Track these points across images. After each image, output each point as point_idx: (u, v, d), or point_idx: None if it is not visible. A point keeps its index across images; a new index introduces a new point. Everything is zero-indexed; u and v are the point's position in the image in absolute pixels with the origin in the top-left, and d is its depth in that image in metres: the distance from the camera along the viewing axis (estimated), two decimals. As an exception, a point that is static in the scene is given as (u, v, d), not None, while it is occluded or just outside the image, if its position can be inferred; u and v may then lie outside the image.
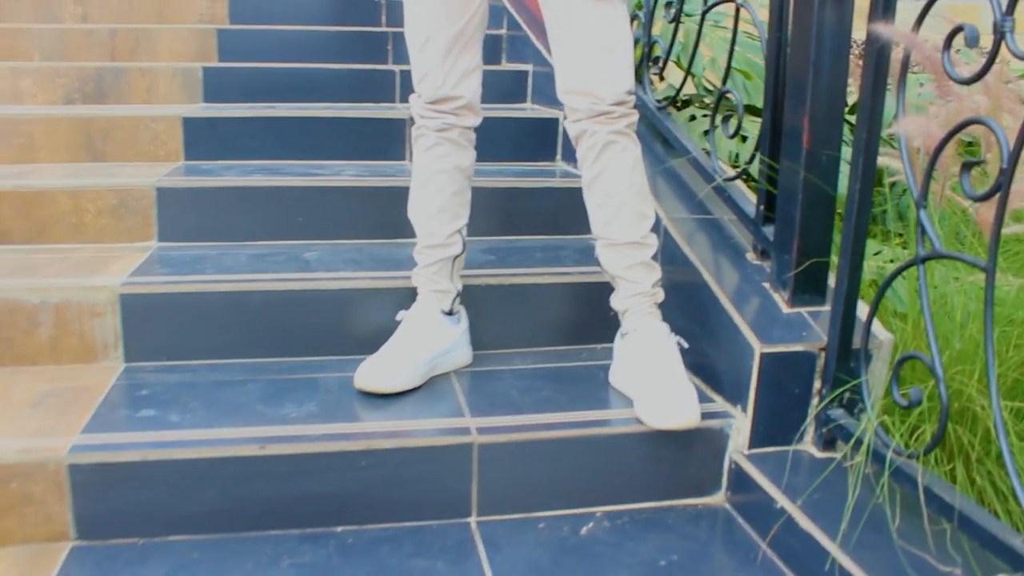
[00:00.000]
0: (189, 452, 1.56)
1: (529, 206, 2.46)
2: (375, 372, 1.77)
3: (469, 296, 2.01)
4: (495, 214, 2.43)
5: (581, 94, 1.71)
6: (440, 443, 1.63)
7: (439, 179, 1.86)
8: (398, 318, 1.92)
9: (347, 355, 2.00)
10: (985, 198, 1.32)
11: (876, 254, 2.34)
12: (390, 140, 2.79)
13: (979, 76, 1.35)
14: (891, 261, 2.33)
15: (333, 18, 3.88)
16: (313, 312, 2.01)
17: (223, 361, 1.99)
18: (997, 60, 1.30)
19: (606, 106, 1.71)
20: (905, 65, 1.46)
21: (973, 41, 1.36)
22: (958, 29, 1.38)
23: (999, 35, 1.29)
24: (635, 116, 1.77)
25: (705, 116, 2.60)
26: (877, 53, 1.49)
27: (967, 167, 1.36)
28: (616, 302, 1.85)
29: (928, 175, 1.43)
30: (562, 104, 1.78)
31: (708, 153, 2.18)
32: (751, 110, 2.87)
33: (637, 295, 1.80)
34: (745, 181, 2.13)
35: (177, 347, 1.98)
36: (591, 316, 2.09)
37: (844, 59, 1.68)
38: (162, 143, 2.73)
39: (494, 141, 2.71)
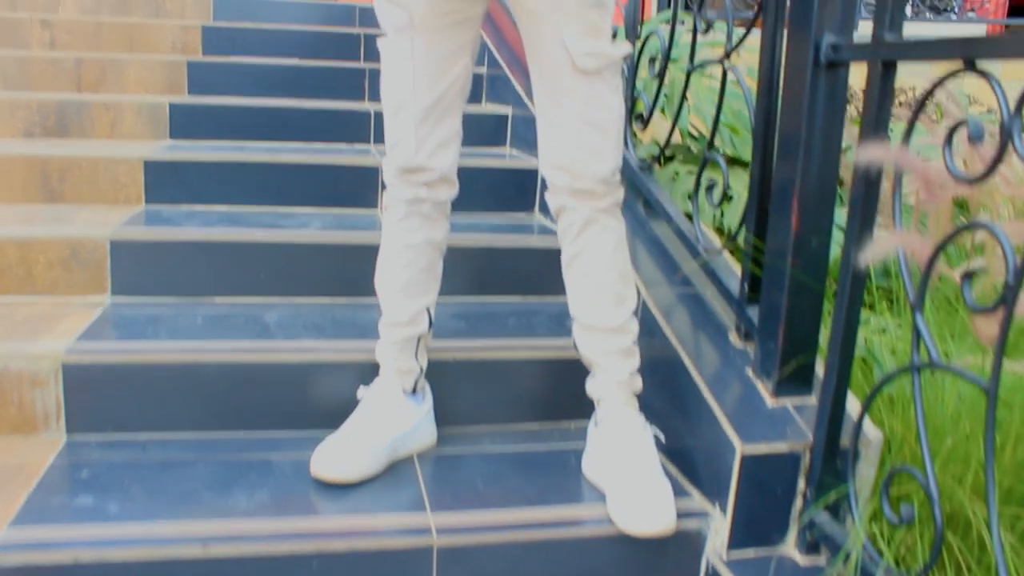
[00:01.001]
0: (126, 553, 1.44)
1: (504, 267, 2.36)
2: (332, 459, 1.66)
3: (436, 371, 1.90)
4: (468, 273, 2.33)
5: (565, 170, 1.61)
6: (398, 546, 1.52)
7: (408, 253, 1.75)
8: (359, 395, 1.81)
9: (306, 430, 1.89)
10: (987, 312, 1.23)
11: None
12: (361, 187, 2.68)
13: (984, 177, 1.26)
14: (881, 331, 2.24)
15: (309, 50, 3.79)
16: (272, 385, 1.89)
17: (173, 435, 1.87)
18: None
19: (590, 184, 1.61)
20: (898, 181, 1.36)
21: (977, 137, 1.26)
22: (960, 123, 1.29)
23: (1006, 136, 1.19)
24: (620, 194, 1.67)
25: (690, 173, 2.50)
26: (865, 172, 1.40)
27: (968, 276, 1.26)
28: (591, 388, 1.75)
29: (925, 281, 1.33)
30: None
31: (691, 218, 2.09)
32: (738, 162, 2.79)
33: (614, 383, 1.70)
34: (732, 252, 2.03)
35: (124, 419, 1.86)
36: (565, 392, 1.98)
37: (837, 138, 1.59)
38: (122, 186, 2.62)
39: (470, 190, 2.60)
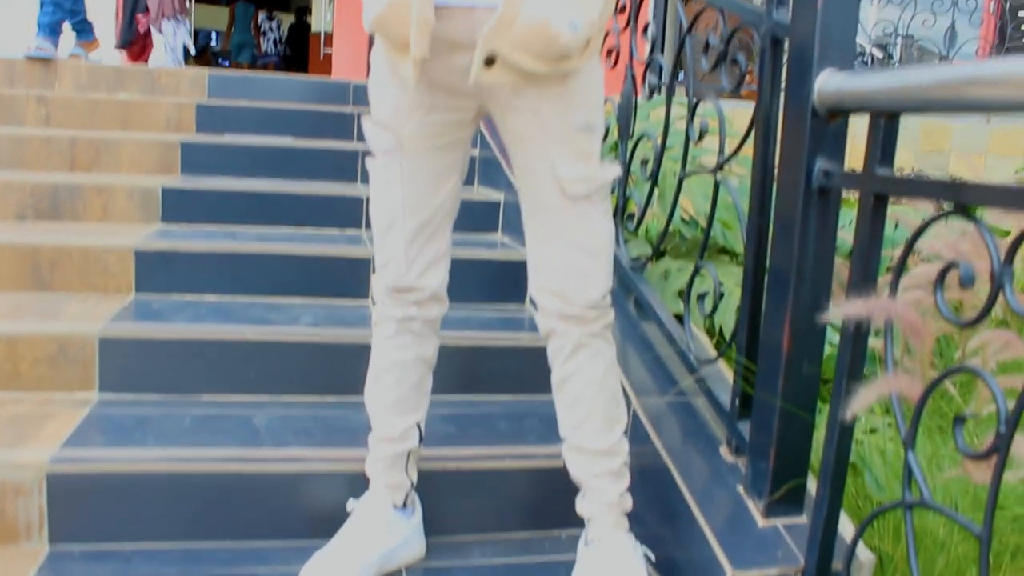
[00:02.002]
0: None
1: (495, 365, 2.35)
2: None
3: (426, 481, 1.89)
4: (458, 371, 2.32)
5: (555, 295, 1.61)
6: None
7: (398, 370, 1.74)
8: (349, 508, 1.79)
9: (295, 540, 1.87)
10: (979, 457, 1.22)
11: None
12: (352, 278, 2.68)
13: (975, 322, 1.26)
14: (871, 431, 2.24)
15: (303, 128, 3.82)
16: (260, 496, 1.87)
17: (159, 546, 1.84)
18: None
19: (580, 308, 1.60)
20: (888, 328, 1.37)
21: (968, 282, 1.27)
22: (950, 266, 1.30)
23: (996, 285, 1.20)
24: (610, 316, 1.67)
25: (681, 271, 2.51)
26: (854, 325, 1.40)
27: (960, 421, 1.26)
28: (581, 508, 1.73)
29: (916, 420, 1.33)
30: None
31: (682, 320, 2.09)
32: (727, 252, 2.80)
33: (604, 505, 1.68)
34: (724, 356, 2.03)
35: (109, 529, 1.84)
36: (555, 501, 1.96)
37: (828, 262, 1.60)
38: (112, 275, 2.61)
39: (461, 282, 2.60)
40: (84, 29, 5.09)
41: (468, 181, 3.31)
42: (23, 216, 3.00)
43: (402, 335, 1.72)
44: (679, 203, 2.26)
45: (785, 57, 1.65)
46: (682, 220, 3.02)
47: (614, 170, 1.60)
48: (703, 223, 2.80)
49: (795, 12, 1.61)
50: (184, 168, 3.39)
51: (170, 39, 8.19)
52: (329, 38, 8.92)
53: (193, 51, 8.64)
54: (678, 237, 2.87)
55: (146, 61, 8.05)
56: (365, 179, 3.36)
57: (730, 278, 2.52)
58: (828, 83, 1.51)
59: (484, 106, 1.59)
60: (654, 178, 2.23)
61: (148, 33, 7.98)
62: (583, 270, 1.59)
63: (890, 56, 9.02)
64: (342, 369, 2.24)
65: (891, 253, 1.52)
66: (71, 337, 2.21)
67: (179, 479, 1.85)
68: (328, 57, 8.73)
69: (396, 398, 1.75)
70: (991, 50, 6.25)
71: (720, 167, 1.91)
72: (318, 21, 10.65)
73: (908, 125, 5.42)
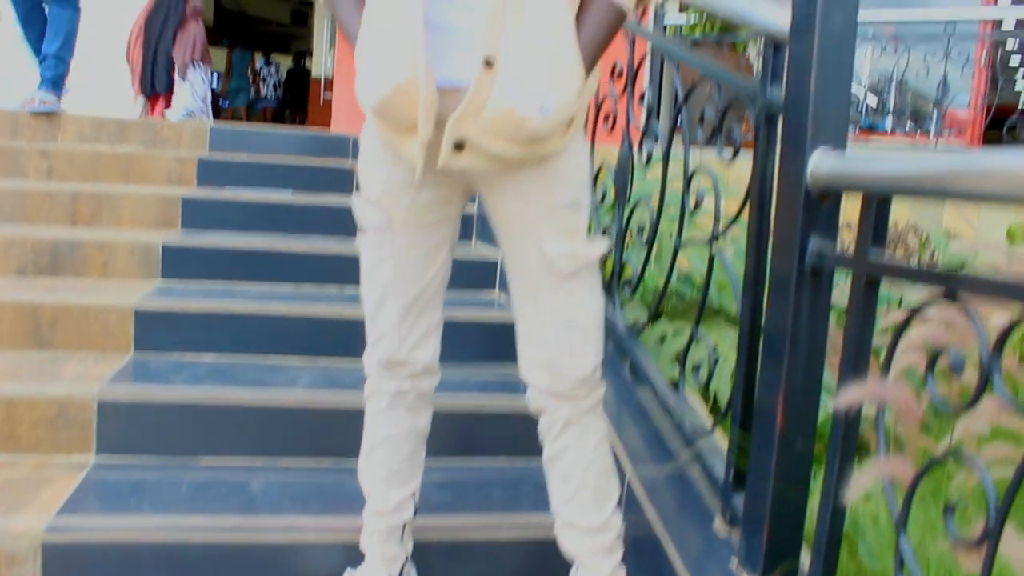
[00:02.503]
0: None
1: (492, 429, 2.36)
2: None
3: (421, 551, 1.89)
4: (455, 435, 2.32)
5: (544, 370, 1.61)
6: None
7: (391, 444, 1.75)
8: None
9: (289, 609, 1.87)
10: (971, 545, 1.23)
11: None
12: (349, 338, 2.68)
13: (966, 409, 1.27)
14: (865, 498, 2.24)
15: (303, 183, 3.85)
16: (257, 565, 1.87)
17: (153, 615, 1.84)
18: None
19: (570, 385, 1.60)
20: (880, 412, 1.38)
21: (958, 369, 1.28)
22: (940, 352, 1.31)
23: (985, 373, 1.21)
24: (601, 391, 1.67)
25: (677, 335, 2.52)
26: (846, 412, 1.41)
27: (950, 510, 1.27)
28: None
29: (907, 504, 1.34)
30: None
31: (677, 387, 2.10)
32: (723, 313, 2.82)
33: None
34: (721, 426, 2.03)
35: (103, 598, 1.84)
36: (550, 572, 1.96)
37: (822, 341, 1.61)
38: (112, 334, 2.62)
39: (458, 342, 2.62)
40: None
41: (466, 237, 3.36)
42: (24, 271, 3.02)
43: (395, 408, 1.73)
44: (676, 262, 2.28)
45: (779, 134, 1.68)
46: (678, 280, 3.04)
47: (602, 245, 1.60)
48: (699, 281, 2.82)
49: (788, 91, 1.63)
50: (185, 223, 3.41)
51: (199, 87, 8.30)
52: (329, 83, 9.00)
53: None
54: (675, 297, 2.88)
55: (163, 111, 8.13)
56: (364, 235, 3.39)
57: (726, 341, 2.53)
58: (821, 164, 1.53)
59: (471, 184, 1.61)
60: (650, 244, 2.25)
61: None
62: (572, 345, 1.59)
63: (884, 103, 9.12)
64: (339, 433, 2.24)
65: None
66: (70, 400, 2.22)
67: (175, 549, 1.85)
68: (328, 103, 8.79)
69: (390, 471, 1.75)
70: (982, 101, 6.31)
71: (715, 238, 1.93)
72: (318, 66, 10.74)
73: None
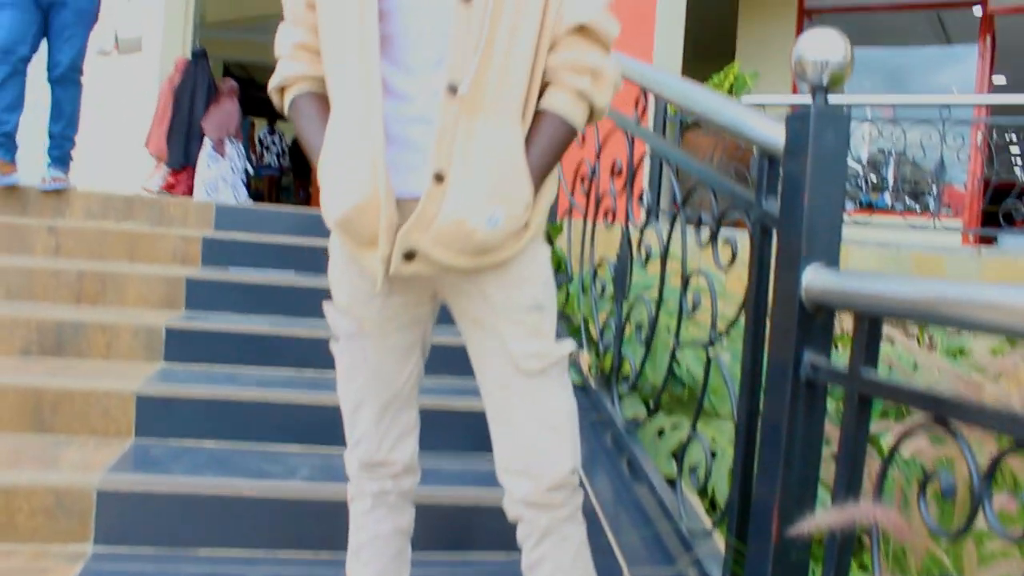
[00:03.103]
0: None
1: (491, 522, 2.34)
2: None
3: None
4: (452, 528, 2.33)
5: (520, 475, 1.60)
6: None
7: (376, 544, 1.75)
8: None
9: None
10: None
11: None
12: (350, 425, 2.71)
13: (958, 534, 1.29)
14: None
15: (306, 263, 3.89)
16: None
17: None
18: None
19: (546, 490, 1.58)
20: (875, 534, 1.40)
21: (948, 493, 1.30)
22: (931, 476, 1.33)
23: (976, 502, 1.23)
24: (579, 500, 1.65)
25: (675, 428, 2.53)
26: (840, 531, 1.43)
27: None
28: None
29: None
30: None
31: (674, 485, 2.11)
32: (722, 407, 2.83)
33: None
34: (719, 526, 2.04)
35: None
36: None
37: (816, 452, 1.63)
38: (113, 419, 2.64)
39: (454, 433, 2.64)
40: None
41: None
42: (28, 351, 3.04)
43: (378, 509, 1.74)
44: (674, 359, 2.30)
45: (774, 245, 1.72)
46: (675, 373, 3.06)
47: (568, 345, 1.62)
48: (697, 375, 2.84)
49: (782, 205, 1.67)
50: (188, 303, 3.44)
51: (236, 161, 8.51)
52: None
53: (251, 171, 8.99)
54: (673, 389, 2.90)
55: (190, 188, 8.30)
56: (366, 318, 3.41)
57: (724, 435, 2.55)
58: (815, 280, 1.56)
59: (437, 287, 1.62)
60: (648, 343, 2.28)
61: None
62: (546, 446, 1.58)
63: (883, 178, 9.22)
64: (337, 525, 2.21)
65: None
66: (69, 489, 2.23)
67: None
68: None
69: (376, 571, 1.76)
70: (978, 182, 6.40)
71: (712, 343, 1.96)
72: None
73: (901, 256, 5.52)
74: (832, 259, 1.60)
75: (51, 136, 4.52)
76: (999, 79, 9.90)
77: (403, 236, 1.45)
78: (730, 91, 6.13)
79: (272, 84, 1.62)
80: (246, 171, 8.84)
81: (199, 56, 8.68)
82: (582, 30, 1.53)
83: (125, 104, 9.02)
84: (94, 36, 4.68)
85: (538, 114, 1.54)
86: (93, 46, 4.73)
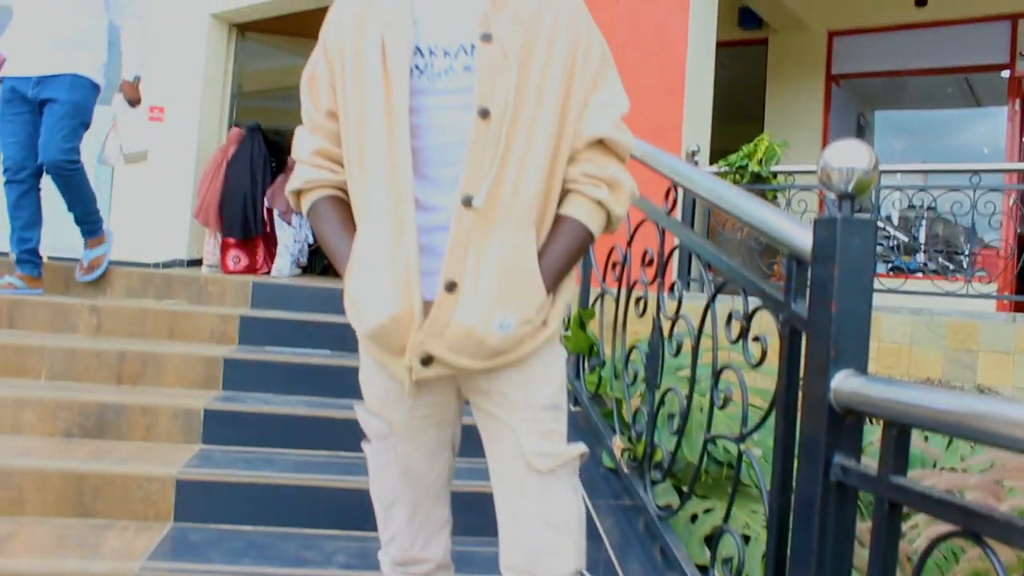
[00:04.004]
0: None
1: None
2: None
3: None
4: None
5: (522, 573, 1.61)
6: None
7: None
8: None
9: None
10: None
11: None
12: (385, 510, 2.74)
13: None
14: None
15: (341, 341, 3.94)
16: None
17: None
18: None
19: None
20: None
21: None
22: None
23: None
24: None
25: (708, 512, 2.54)
26: None
27: None
28: None
29: None
30: None
31: (706, 573, 2.12)
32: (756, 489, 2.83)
33: None
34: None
35: None
36: None
37: (848, 555, 1.64)
38: (153, 503, 2.69)
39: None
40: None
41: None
42: (70, 434, 3.11)
43: None
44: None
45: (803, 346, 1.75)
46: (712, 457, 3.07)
47: (579, 447, 1.65)
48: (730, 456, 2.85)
49: (811, 310, 1.70)
50: (226, 384, 3.50)
51: (300, 230, 8.78)
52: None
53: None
54: (706, 474, 2.91)
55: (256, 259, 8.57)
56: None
57: (756, 519, 2.55)
58: (843, 385, 1.59)
59: (461, 386, 1.66)
60: (680, 434, 2.30)
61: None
62: (551, 546, 1.59)
63: (915, 238, 9.20)
64: (372, 615, 2.27)
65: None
66: (110, 578, 2.27)
67: None
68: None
69: None
70: (1011, 249, 6.38)
71: (743, 438, 1.98)
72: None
73: (934, 323, 5.51)
74: (861, 365, 1.62)
75: (76, 221, 4.46)
76: (1031, 140, 9.90)
77: (418, 343, 1.50)
78: (760, 162, 6.17)
79: (291, 187, 1.67)
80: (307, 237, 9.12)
81: (254, 130, 8.98)
82: (600, 143, 1.60)
83: (161, 173, 9.23)
84: (92, 139, 4.50)
85: (557, 219, 1.60)
86: (95, 153, 4.58)
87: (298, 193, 1.69)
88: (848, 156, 1.65)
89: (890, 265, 8.61)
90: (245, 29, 10.04)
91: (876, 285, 5.86)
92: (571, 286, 1.68)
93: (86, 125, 4.31)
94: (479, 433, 1.69)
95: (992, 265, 7.78)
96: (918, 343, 5.65)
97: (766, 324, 1.95)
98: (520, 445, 1.59)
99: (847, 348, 1.62)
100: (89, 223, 4.49)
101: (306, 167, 1.66)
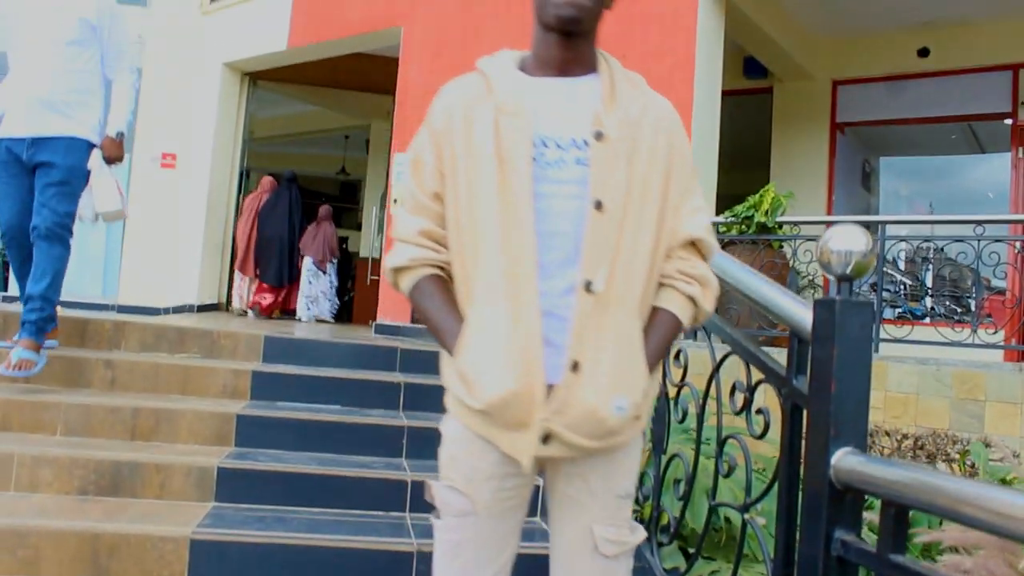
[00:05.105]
0: None
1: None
2: None
3: None
4: None
5: None
6: None
7: None
8: None
9: None
10: None
11: None
12: (396, 571, 2.78)
13: None
14: None
15: (353, 397, 3.99)
16: None
17: None
18: None
19: None
20: None
21: None
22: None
23: None
24: None
25: (714, 573, 2.58)
26: None
27: None
28: None
29: None
30: None
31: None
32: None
33: None
34: None
35: None
36: None
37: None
38: (167, 563, 2.74)
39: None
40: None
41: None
42: (85, 491, 3.16)
43: None
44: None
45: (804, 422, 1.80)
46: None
47: (641, 534, 1.73)
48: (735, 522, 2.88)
49: (811, 387, 1.75)
50: (239, 440, 3.55)
51: (333, 277, 9.19)
52: (376, 265, 9.30)
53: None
54: (712, 535, 2.95)
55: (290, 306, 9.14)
56: (409, 455, 3.51)
57: (763, 582, 2.59)
58: (843, 462, 1.64)
59: (543, 470, 1.72)
60: (686, 499, 2.34)
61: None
62: None
63: (924, 283, 9.24)
64: None
65: None
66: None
67: None
68: (375, 283, 9.06)
69: None
70: (1016, 301, 6.41)
71: (747, 508, 2.03)
72: (366, 247, 11.09)
73: (941, 373, 5.53)
74: (860, 442, 1.67)
75: (30, 298, 3.88)
76: (1035, 186, 9.97)
77: (542, 421, 1.57)
78: (766, 212, 6.24)
79: (392, 264, 1.74)
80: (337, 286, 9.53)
81: (291, 180, 9.33)
82: (693, 244, 1.71)
83: (172, 219, 9.37)
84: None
85: (655, 311, 1.70)
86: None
87: (397, 270, 1.75)
88: (846, 240, 1.71)
89: (898, 311, 8.65)
90: (257, 77, 10.22)
91: (882, 334, 5.92)
92: (657, 380, 1.76)
93: (82, 187, 4.05)
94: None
95: (999, 311, 7.80)
96: (925, 393, 5.66)
97: (770, 395, 2.00)
98: (591, 530, 1.68)
99: (846, 426, 1.67)
100: (41, 313, 3.89)
101: (410, 246, 1.72)
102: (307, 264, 9.28)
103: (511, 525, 1.74)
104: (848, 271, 1.71)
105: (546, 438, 1.59)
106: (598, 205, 1.58)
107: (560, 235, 1.60)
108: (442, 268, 1.72)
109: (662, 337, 1.68)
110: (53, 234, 3.86)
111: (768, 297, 1.98)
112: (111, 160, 4.09)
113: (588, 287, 1.57)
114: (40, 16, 3.97)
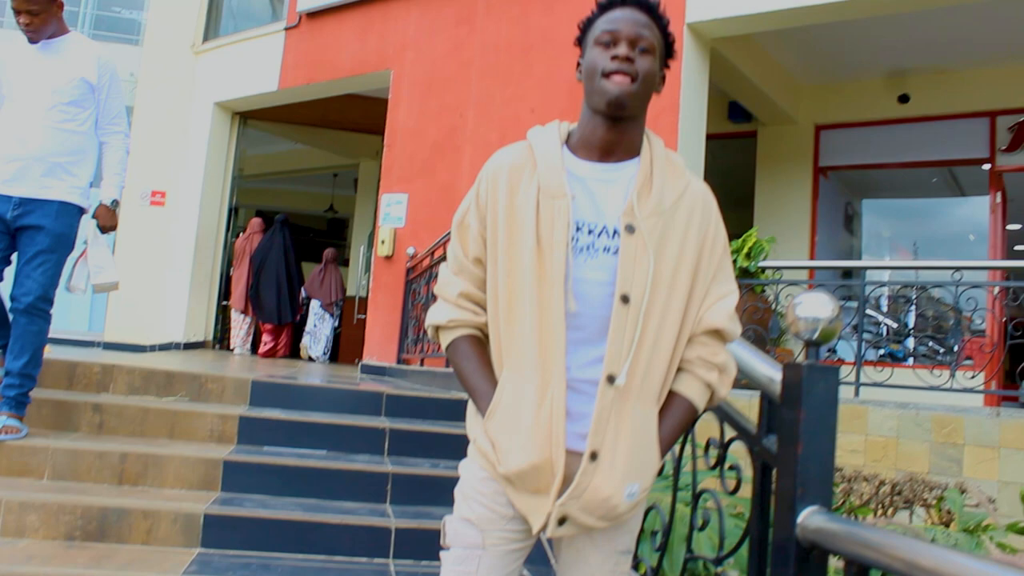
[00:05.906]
0: None
1: None
2: None
3: None
4: None
5: None
6: None
7: None
8: None
9: None
10: None
11: None
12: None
13: None
14: None
15: (338, 441, 4.04)
16: None
17: None
18: None
19: None
20: None
21: None
22: None
23: None
24: None
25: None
26: None
27: None
28: None
29: None
30: None
31: None
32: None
33: None
34: None
35: None
36: None
37: None
38: (153, 612, 2.77)
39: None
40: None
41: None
42: (72, 537, 3.19)
43: None
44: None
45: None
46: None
47: None
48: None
49: (779, 449, 1.83)
50: (225, 485, 3.58)
51: (335, 319, 9.42)
52: (364, 303, 9.35)
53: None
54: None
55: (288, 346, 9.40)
56: (393, 501, 3.55)
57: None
58: (809, 521, 1.70)
59: None
60: (663, 550, 2.40)
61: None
62: None
63: (906, 324, 9.34)
64: None
65: None
66: None
67: None
68: (361, 322, 9.11)
69: None
70: (994, 348, 6.49)
71: (720, 561, 2.09)
72: (353, 285, 11.14)
73: (920, 417, 5.59)
74: (825, 501, 1.74)
75: (8, 373, 3.76)
76: (1014, 226, 10.11)
77: (560, 506, 1.65)
78: (747, 256, 6.35)
79: (432, 321, 1.82)
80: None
81: (283, 223, 9.53)
82: (716, 332, 1.77)
83: (160, 257, 9.43)
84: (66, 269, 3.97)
85: (671, 395, 1.76)
86: (65, 281, 4.00)
87: (437, 327, 1.83)
88: (813, 307, 1.79)
89: (880, 352, 8.73)
90: (248, 117, 10.32)
91: (863, 378, 5.99)
92: (664, 455, 1.83)
93: (67, 255, 3.89)
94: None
95: (979, 354, 7.89)
96: (904, 437, 5.72)
97: (743, 452, 2.07)
98: None
99: (812, 487, 1.74)
100: (22, 388, 3.78)
101: (451, 306, 1.81)
102: (314, 308, 9.52)
103: (511, 570, 1.79)
104: (815, 337, 1.79)
105: (561, 520, 1.66)
106: (624, 299, 1.65)
107: (588, 316, 1.67)
108: (482, 330, 1.80)
109: (677, 423, 1.75)
110: (35, 309, 3.74)
111: (742, 358, 2.05)
112: (106, 229, 4.03)
113: (611, 379, 1.64)
114: (38, 71, 3.89)
